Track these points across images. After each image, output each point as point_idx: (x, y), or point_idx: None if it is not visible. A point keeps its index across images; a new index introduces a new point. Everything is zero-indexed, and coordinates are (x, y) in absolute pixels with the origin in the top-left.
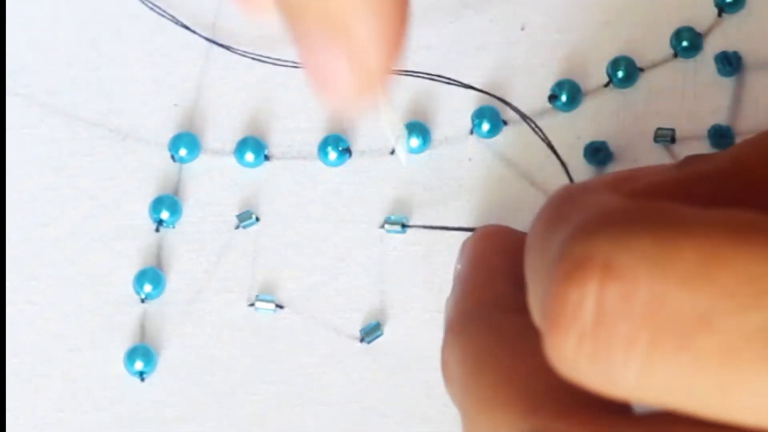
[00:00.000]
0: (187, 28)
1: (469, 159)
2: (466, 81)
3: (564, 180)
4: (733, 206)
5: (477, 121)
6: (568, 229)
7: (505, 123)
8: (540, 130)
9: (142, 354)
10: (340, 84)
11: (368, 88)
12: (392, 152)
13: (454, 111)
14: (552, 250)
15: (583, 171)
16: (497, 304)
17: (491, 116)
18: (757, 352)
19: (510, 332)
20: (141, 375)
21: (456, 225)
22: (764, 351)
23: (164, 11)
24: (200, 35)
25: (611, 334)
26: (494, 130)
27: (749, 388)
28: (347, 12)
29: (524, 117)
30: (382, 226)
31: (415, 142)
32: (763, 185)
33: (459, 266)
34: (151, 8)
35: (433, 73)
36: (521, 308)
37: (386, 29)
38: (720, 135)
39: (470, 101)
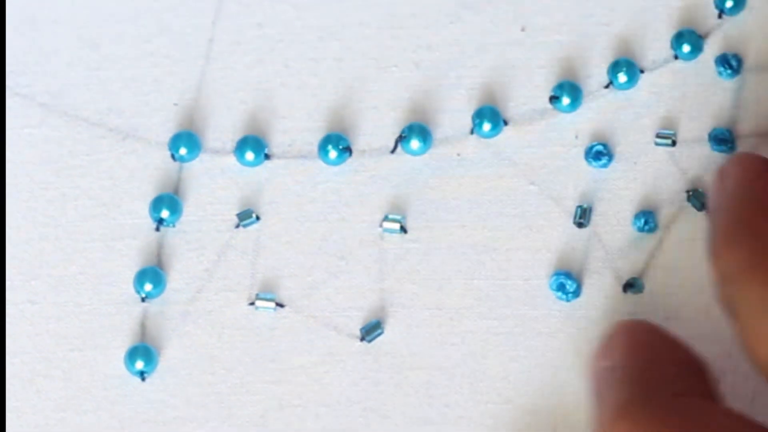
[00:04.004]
0: None
1: (470, 159)
2: (466, 82)
3: (564, 179)
4: None
5: (478, 120)
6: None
7: (506, 123)
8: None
9: (142, 353)
10: None
11: None
12: (393, 151)
13: (454, 111)
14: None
15: (583, 172)
16: (668, 388)
17: (492, 116)
18: None
19: (704, 415)
20: (142, 374)
21: (456, 224)
22: None
23: None
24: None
25: None
26: (495, 130)
27: None
28: None
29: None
30: (380, 225)
31: (415, 144)
32: None
33: (603, 363)
34: None
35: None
36: (691, 392)
37: None
38: (721, 138)
39: (471, 101)
